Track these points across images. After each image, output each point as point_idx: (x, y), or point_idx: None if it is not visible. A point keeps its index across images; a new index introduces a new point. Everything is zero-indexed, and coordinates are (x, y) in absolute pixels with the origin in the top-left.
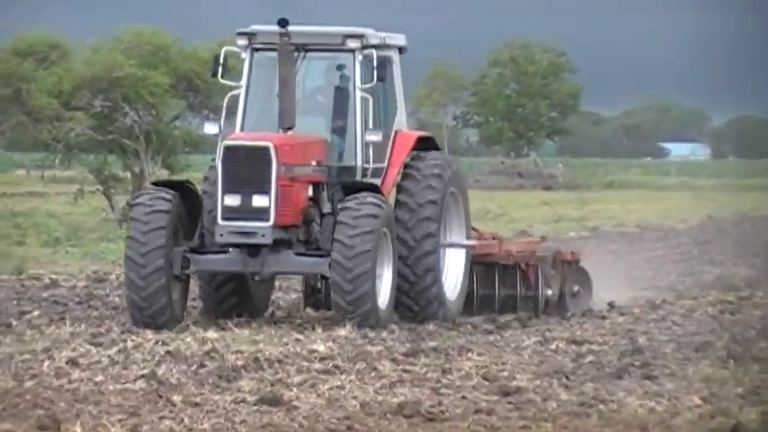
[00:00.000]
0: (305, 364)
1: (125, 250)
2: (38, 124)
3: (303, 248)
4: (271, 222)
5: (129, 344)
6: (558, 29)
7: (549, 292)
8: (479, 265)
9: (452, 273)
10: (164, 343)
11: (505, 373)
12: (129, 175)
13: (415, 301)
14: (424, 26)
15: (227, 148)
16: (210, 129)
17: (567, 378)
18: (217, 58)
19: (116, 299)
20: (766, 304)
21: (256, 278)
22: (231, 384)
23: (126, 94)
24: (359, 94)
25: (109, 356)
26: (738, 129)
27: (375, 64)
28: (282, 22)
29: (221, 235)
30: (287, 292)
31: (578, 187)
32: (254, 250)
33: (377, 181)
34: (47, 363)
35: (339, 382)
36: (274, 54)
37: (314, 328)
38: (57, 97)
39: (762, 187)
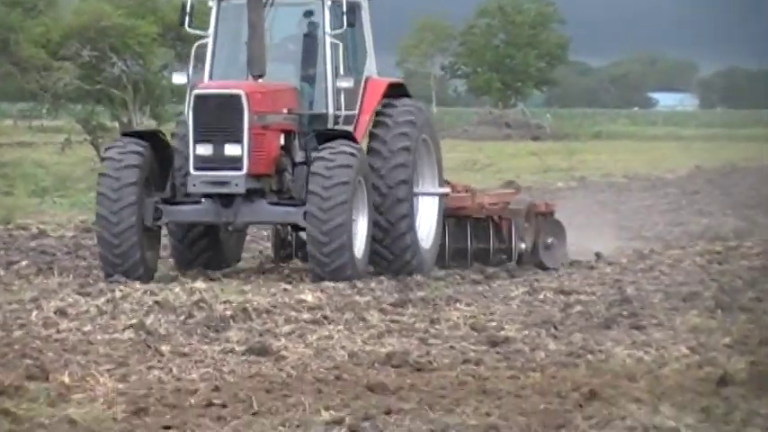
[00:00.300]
0: (293, 314)
1: (96, 207)
2: (25, 74)
3: (276, 198)
4: (244, 171)
5: (118, 294)
6: None
7: (523, 246)
8: (452, 218)
9: (426, 222)
10: (152, 293)
11: (494, 324)
12: (116, 124)
13: (390, 249)
14: None
15: (198, 97)
16: (179, 78)
17: (556, 328)
18: (183, 6)
19: None
20: (754, 254)
21: (230, 228)
22: (219, 335)
23: (114, 44)
24: (328, 40)
25: (97, 306)
26: (726, 79)
27: (344, 9)
28: None
29: (194, 185)
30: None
31: (566, 137)
32: (226, 200)
33: (349, 128)
34: (35, 313)
35: (327, 333)
36: (242, 1)
37: (302, 279)
38: (44, 47)
39: (750, 137)
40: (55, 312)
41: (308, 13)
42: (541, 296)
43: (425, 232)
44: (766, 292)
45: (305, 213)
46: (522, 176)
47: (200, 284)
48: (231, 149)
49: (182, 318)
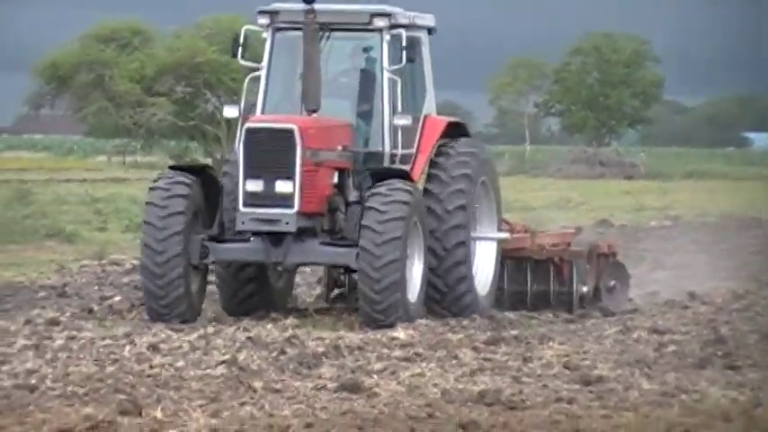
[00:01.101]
0: (385, 351)
1: (142, 236)
2: (120, 110)
3: (328, 238)
4: (295, 209)
5: (210, 329)
6: (641, 17)
7: (584, 288)
8: (510, 259)
9: (483, 266)
10: (244, 329)
11: (587, 362)
12: (210, 160)
13: (444, 279)
14: (508, 17)
15: (249, 131)
16: (230, 112)
17: (649, 367)
18: (236, 37)
19: None
20: None
21: (279, 268)
22: (312, 371)
23: (207, 80)
24: (386, 75)
25: (189, 342)
26: None
27: (404, 44)
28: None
29: (243, 222)
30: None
31: (659, 176)
32: (276, 239)
33: (405, 167)
34: (128, 348)
35: (419, 370)
36: (298, 33)
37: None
38: (138, 83)
39: None
40: (148, 348)
41: (366, 48)
42: (635, 335)
43: (483, 277)
44: None
45: (357, 253)
46: (616, 215)
47: (292, 320)
48: (282, 186)
49: (274, 354)
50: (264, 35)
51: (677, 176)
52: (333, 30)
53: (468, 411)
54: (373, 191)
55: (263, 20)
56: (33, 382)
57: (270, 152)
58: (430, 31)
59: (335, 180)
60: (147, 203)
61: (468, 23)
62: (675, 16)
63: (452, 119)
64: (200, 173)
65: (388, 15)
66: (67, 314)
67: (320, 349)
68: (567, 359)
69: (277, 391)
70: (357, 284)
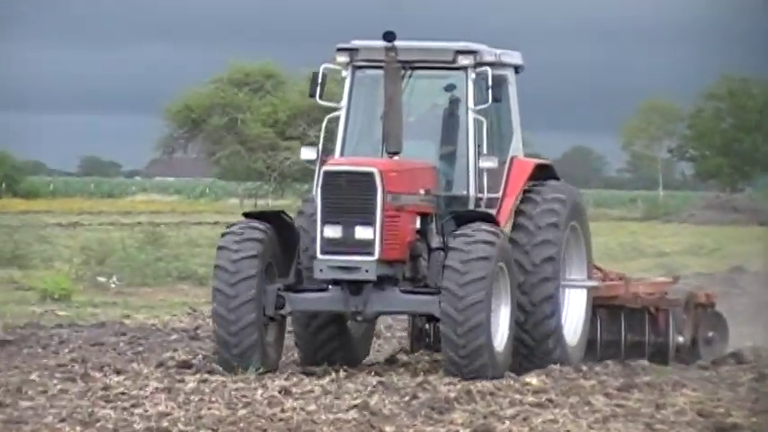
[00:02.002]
0: (517, 396)
1: (212, 281)
2: (252, 153)
3: (410, 286)
4: (375, 256)
5: (342, 374)
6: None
7: (681, 339)
8: (603, 307)
9: (573, 314)
10: (376, 373)
11: (721, 410)
12: None
13: (531, 335)
14: (637, 55)
15: (328, 174)
16: (308, 154)
17: None
18: (315, 76)
19: None
20: None
21: (359, 318)
22: (443, 416)
23: None
24: (471, 116)
25: (321, 386)
26: None
27: (489, 83)
28: (389, 36)
29: (321, 270)
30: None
31: None
32: (356, 287)
33: (492, 211)
34: (260, 391)
35: (552, 416)
36: (378, 72)
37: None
38: (271, 126)
39: None
40: (279, 391)
41: (450, 87)
42: None
43: (573, 326)
44: None
45: (440, 312)
46: (750, 262)
47: (423, 365)
48: (362, 232)
49: (406, 399)
50: (344, 74)
51: None
52: (415, 68)
53: None
54: (457, 232)
55: (343, 58)
56: (166, 425)
57: (349, 196)
58: (517, 69)
59: (418, 225)
60: (218, 248)
61: (596, 62)
62: None
63: (540, 161)
64: (274, 219)
65: (473, 53)
66: (199, 357)
67: (452, 394)
68: (701, 406)
69: None
70: (440, 330)
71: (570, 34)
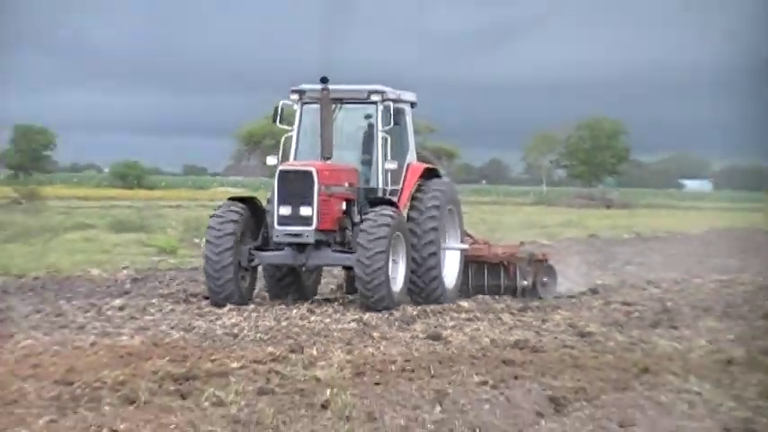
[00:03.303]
0: (455, 314)
1: (204, 250)
2: None
3: (338, 248)
4: (313, 227)
5: (347, 301)
6: (623, 103)
7: (525, 283)
8: (474, 262)
9: (450, 267)
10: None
11: (582, 323)
12: None
13: (422, 279)
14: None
15: (282, 172)
16: (271, 161)
17: (621, 327)
18: (276, 109)
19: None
20: (748, 283)
21: (303, 269)
22: (410, 326)
23: None
24: (380, 134)
25: (333, 308)
26: (731, 171)
27: (392, 113)
28: (324, 80)
29: (277, 236)
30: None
31: (628, 207)
32: (301, 248)
33: (394, 199)
34: (294, 311)
35: (477, 326)
36: (317, 105)
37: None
38: None
39: (750, 210)
40: (307, 311)
41: (367, 115)
42: (612, 306)
43: (450, 274)
44: (757, 307)
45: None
46: (600, 232)
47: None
48: (304, 211)
49: (386, 315)
50: (295, 107)
51: (639, 207)
52: (343, 102)
53: (508, 353)
54: (365, 216)
55: (294, 96)
56: (236, 330)
57: (296, 187)
58: (412, 104)
59: (344, 207)
60: (208, 227)
61: (512, 105)
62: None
63: (428, 165)
64: (249, 202)
65: (381, 92)
66: (258, 288)
67: (415, 313)
68: (570, 321)
69: (387, 338)
70: (355, 273)
71: (486, 89)
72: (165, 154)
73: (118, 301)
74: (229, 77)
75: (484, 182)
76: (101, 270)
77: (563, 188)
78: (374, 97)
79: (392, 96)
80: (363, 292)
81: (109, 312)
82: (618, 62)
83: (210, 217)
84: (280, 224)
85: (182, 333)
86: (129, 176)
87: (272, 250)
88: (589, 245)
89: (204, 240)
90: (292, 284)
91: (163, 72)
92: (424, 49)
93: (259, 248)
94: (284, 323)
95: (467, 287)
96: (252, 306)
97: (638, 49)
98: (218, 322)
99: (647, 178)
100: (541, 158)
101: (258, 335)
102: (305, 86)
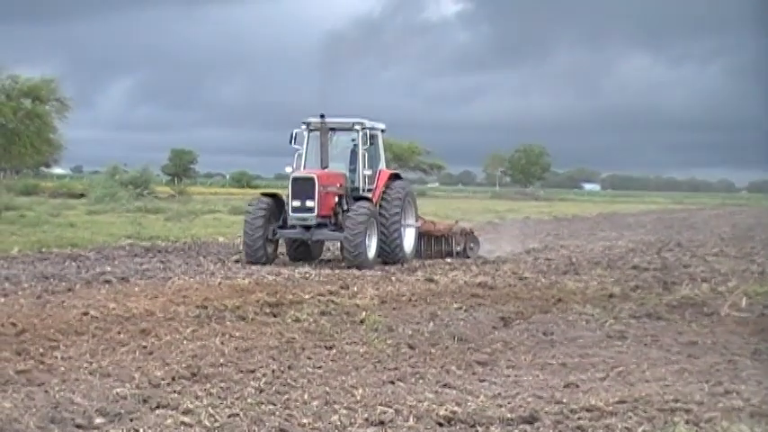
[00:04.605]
0: (442, 266)
1: (243, 230)
2: None
3: (333, 228)
4: (315, 214)
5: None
6: (538, 138)
7: (458, 248)
8: (425, 235)
9: (408, 239)
10: (385, 261)
11: (520, 271)
12: None
13: (389, 247)
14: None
15: (294, 178)
16: (288, 169)
17: (544, 273)
18: (291, 135)
19: None
20: (622, 247)
21: (309, 242)
22: (415, 273)
23: None
24: (361, 151)
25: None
26: (612, 178)
27: (369, 137)
28: (322, 115)
29: (291, 220)
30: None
31: (548, 200)
32: (307, 228)
33: (370, 195)
34: (337, 270)
35: (455, 273)
36: (318, 132)
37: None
38: None
39: (624, 202)
40: (330, 268)
41: (353, 139)
42: (539, 261)
43: (408, 244)
44: (627, 261)
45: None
46: (532, 215)
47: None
48: (309, 203)
49: (399, 267)
50: (304, 134)
51: (555, 200)
52: (336, 130)
53: (474, 289)
54: (351, 207)
55: (303, 126)
56: (306, 276)
57: (303, 187)
58: (383, 130)
59: (336, 200)
60: (245, 212)
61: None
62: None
63: (394, 171)
64: (273, 196)
65: (361, 123)
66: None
67: (417, 265)
68: (513, 270)
69: (401, 281)
70: (342, 244)
71: (463, 127)
72: (264, 167)
73: (234, 257)
74: (284, 115)
75: (460, 184)
76: (224, 238)
77: (508, 188)
78: (357, 126)
79: (369, 126)
80: (348, 257)
81: (229, 264)
82: (542, 110)
83: (248, 205)
84: (293, 212)
85: (274, 277)
86: (242, 180)
87: (289, 228)
88: (524, 223)
89: (243, 226)
90: (303, 250)
91: (257, 114)
92: (424, 100)
93: (281, 227)
94: (338, 270)
95: (419, 252)
96: (315, 263)
97: (551, 102)
98: (296, 271)
99: (560, 182)
100: (495, 170)
101: (321, 278)
102: (310, 119)
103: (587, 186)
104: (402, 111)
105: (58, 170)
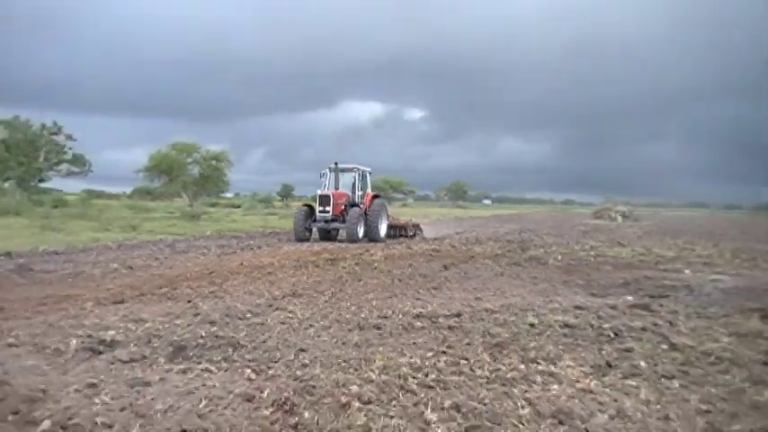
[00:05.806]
0: (408, 243)
1: (293, 223)
2: None
3: (342, 222)
4: (330, 215)
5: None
6: (468, 177)
7: (411, 234)
8: (393, 227)
9: (382, 228)
10: (392, 238)
11: (452, 243)
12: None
13: (372, 233)
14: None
15: (320, 195)
16: (318, 191)
17: (464, 245)
18: (321, 173)
19: None
20: (508, 232)
21: (329, 230)
22: (419, 245)
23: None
24: (357, 182)
25: (382, 239)
26: (500, 197)
27: (362, 175)
28: (336, 163)
29: (318, 219)
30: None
31: (466, 208)
32: (326, 222)
33: (361, 205)
34: (344, 244)
35: (428, 246)
36: (333, 172)
37: (414, 236)
38: None
39: (508, 209)
40: (357, 247)
41: (353, 177)
42: (458, 239)
43: (382, 231)
44: (510, 240)
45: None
46: (458, 216)
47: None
48: (328, 208)
49: (380, 244)
50: (327, 171)
51: (469, 208)
52: (344, 171)
53: (431, 253)
54: (350, 211)
55: (327, 168)
56: (344, 246)
57: (325, 200)
58: (370, 172)
59: (343, 207)
60: (295, 213)
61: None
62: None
63: (376, 193)
64: (309, 206)
65: (357, 167)
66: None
67: (389, 242)
68: (449, 242)
69: (395, 248)
70: (344, 230)
71: (431, 171)
72: (310, 189)
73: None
74: (323, 163)
75: (423, 201)
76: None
77: (447, 202)
78: (355, 169)
79: (362, 168)
80: (348, 238)
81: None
82: (466, 164)
83: (296, 210)
84: (319, 213)
85: (328, 245)
86: (287, 196)
87: (317, 222)
88: (453, 220)
89: (294, 218)
90: (326, 234)
91: (314, 166)
92: (406, 159)
93: (313, 221)
94: (345, 245)
95: (390, 236)
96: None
97: (469, 160)
98: (340, 244)
99: (473, 198)
100: (441, 193)
101: (354, 247)
102: (330, 166)
103: (486, 201)
104: (392, 164)
105: (228, 195)
